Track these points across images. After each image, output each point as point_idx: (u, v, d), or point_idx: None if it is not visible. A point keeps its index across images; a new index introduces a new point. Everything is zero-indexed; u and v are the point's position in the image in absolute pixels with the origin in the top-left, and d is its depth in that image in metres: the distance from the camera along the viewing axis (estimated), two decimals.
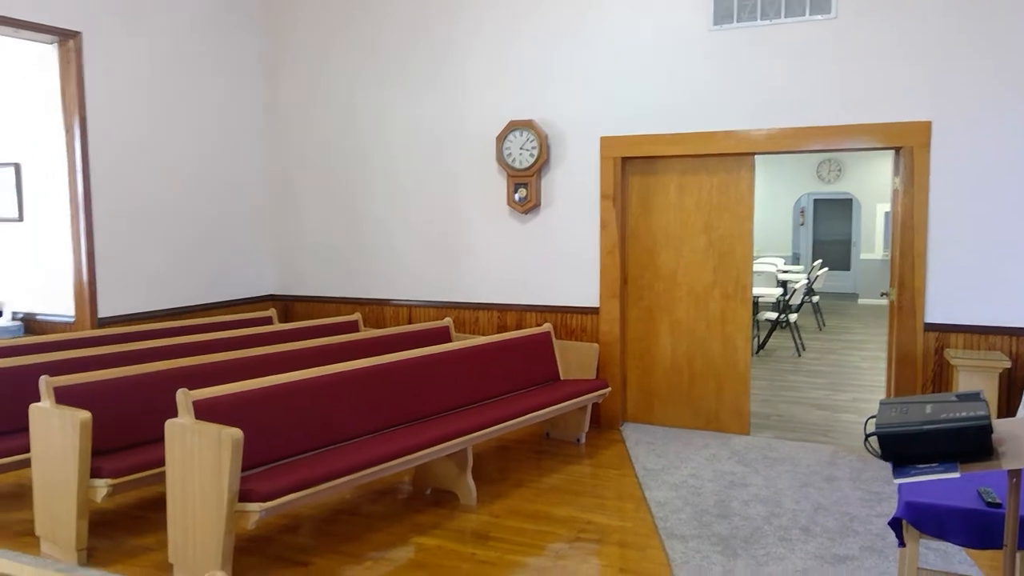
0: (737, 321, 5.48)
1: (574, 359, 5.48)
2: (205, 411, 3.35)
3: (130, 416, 3.82)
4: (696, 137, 5.30)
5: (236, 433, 3.13)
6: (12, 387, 4.05)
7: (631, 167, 5.66)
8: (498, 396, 4.87)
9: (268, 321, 6.07)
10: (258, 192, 6.61)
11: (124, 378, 3.90)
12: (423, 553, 3.64)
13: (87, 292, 5.33)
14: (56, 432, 3.51)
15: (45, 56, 5.28)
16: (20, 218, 5.50)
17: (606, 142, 5.53)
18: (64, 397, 3.62)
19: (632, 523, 3.97)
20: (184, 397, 3.33)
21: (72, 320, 5.38)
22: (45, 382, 3.61)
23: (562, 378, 5.45)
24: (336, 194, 6.44)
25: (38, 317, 5.50)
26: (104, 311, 5.42)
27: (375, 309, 6.34)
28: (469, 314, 6.03)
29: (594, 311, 5.65)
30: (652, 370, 5.71)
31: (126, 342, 4.87)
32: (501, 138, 5.76)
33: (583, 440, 5.33)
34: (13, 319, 5.46)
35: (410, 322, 6.21)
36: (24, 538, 3.74)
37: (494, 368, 4.91)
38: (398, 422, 4.20)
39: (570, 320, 5.72)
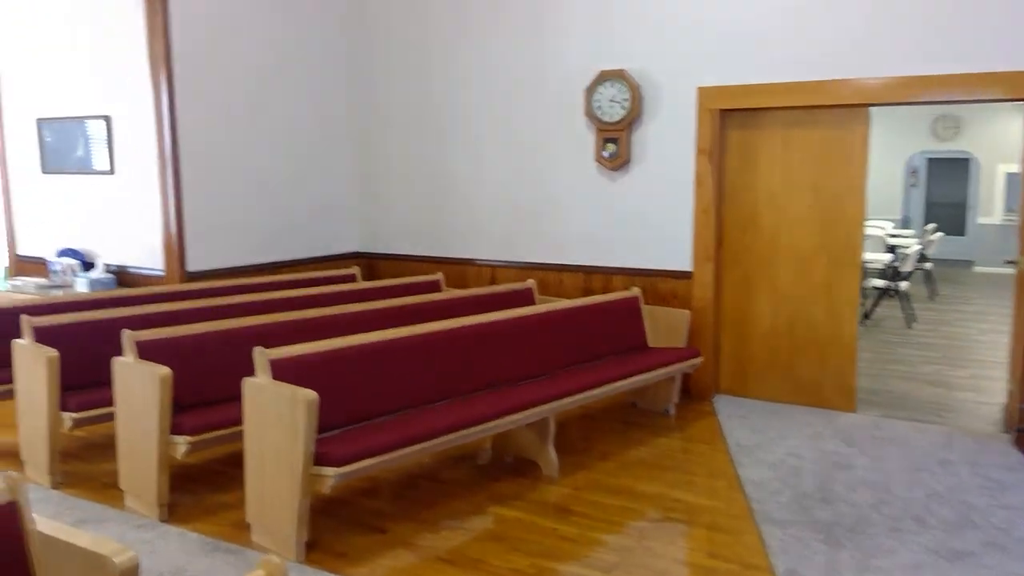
0: (844, 288, 5.06)
1: (664, 326, 5.19)
2: (282, 370, 3.27)
3: (212, 372, 3.79)
4: (805, 87, 4.85)
5: (311, 395, 3.02)
6: (100, 339, 4.08)
7: (731, 120, 5.25)
8: (583, 363, 4.65)
9: (351, 279, 6.01)
10: (344, 148, 6.53)
11: (206, 334, 3.86)
12: (502, 524, 3.49)
13: (176, 246, 5.36)
14: (137, 387, 3.50)
15: (132, 7, 5.26)
16: (111, 171, 5.57)
17: (704, 93, 5.15)
18: (147, 352, 3.61)
19: (724, 503, 3.71)
20: (261, 356, 3.25)
21: (162, 274, 5.44)
22: (128, 336, 3.60)
23: (651, 346, 5.18)
24: (420, 150, 6.28)
25: (130, 270, 5.58)
26: (193, 265, 5.45)
27: (458, 269, 6.20)
28: (553, 276, 5.81)
29: (686, 275, 5.33)
30: (748, 339, 5.37)
31: (211, 296, 4.87)
32: (590, 90, 5.45)
33: (672, 412, 5.07)
34: (107, 271, 5.56)
35: (493, 283, 6.04)
36: (110, 490, 3.79)
37: (579, 333, 4.69)
38: (478, 387, 4.04)
39: (660, 284, 5.43)
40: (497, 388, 4.09)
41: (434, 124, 6.19)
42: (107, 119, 5.52)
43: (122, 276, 5.60)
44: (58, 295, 5.18)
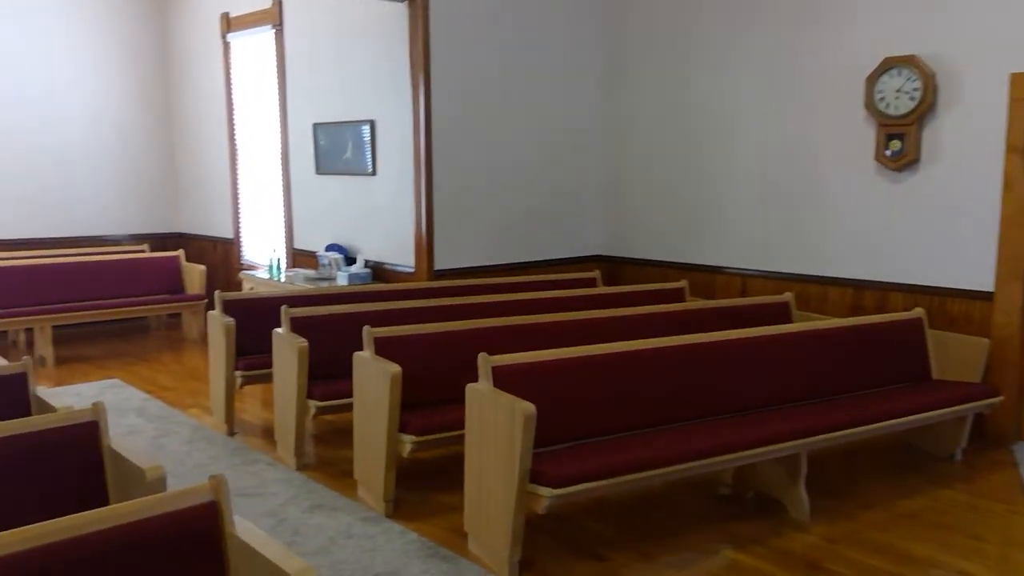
0: None
1: (954, 356, 4.36)
2: (505, 378, 3.12)
3: (444, 371, 3.76)
4: None
5: (528, 408, 2.83)
6: (347, 332, 4.22)
7: None
8: (847, 393, 4.02)
9: (592, 283, 5.81)
10: (592, 148, 6.35)
11: (440, 333, 3.86)
12: (736, 572, 3.06)
13: (425, 244, 5.52)
14: (372, 382, 3.56)
15: (393, 15, 5.48)
16: (374, 172, 5.87)
17: (1019, 80, 4.24)
18: (383, 348, 3.66)
19: None
20: (484, 361, 3.13)
21: (411, 270, 5.63)
22: (367, 332, 3.68)
23: (935, 378, 4.38)
24: (670, 149, 5.90)
25: (385, 266, 5.85)
26: (440, 263, 5.58)
27: (705, 277, 5.74)
28: (815, 289, 5.15)
29: (985, 296, 4.44)
30: None
31: (452, 296, 4.91)
32: (872, 79, 4.73)
33: (958, 457, 4.24)
34: (365, 266, 5.88)
35: (743, 294, 5.50)
36: (347, 478, 3.90)
37: (845, 358, 4.06)
38: (720, 412, 3.62)
39: (950, 306, 4.58)
40: (743, 414, 3.64)
41: (687, 121, 5.79)
42: (372, 123, 5.83)
43: (378, 271, 5.88)
44: (321, 287, 5.56)
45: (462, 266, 5.67)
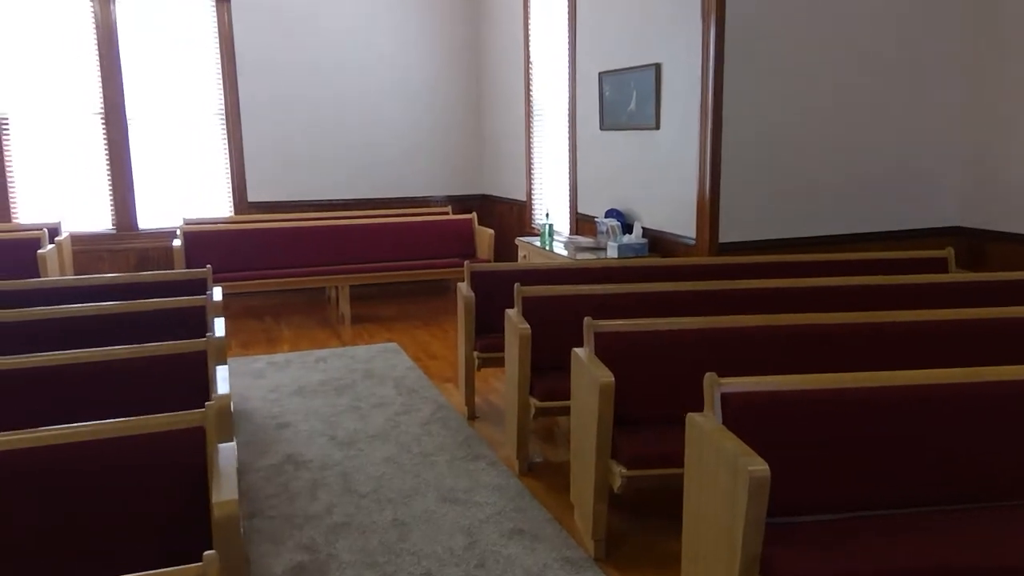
0: None
1: None
2: (738, 411, 2.19)
3: (686, 381, 2.89)
4: None
5: (760, 471, 1.89)
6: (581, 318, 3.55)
7: None
8: None
9: (940, 266, 4.36)
10: (946, 86, 4.78)
11: (686, 331, 2.97)
12: None
13: (708, 211, 4.57)
14: (584, 389, 2.84)
15: None
16: (656, 126, 5.02)
17: None
18: (607, 345, 2.90)
19: None
20: (711, 385, 2.23)
21: (692, 242, 4.72)
22: (588, 325, 2.95)
23: None
24: None
25: (665, 235, 5.01)
26: (727, 235, 4.60)
27: None
28: None
29: None
30: None
31: (730, 277, 3.93)
32: None
33: None
34: (643, 236, 5.09)
35: None
36: (567, 495, 3.24)
37: None
38: None
39: None
40: None
41: None
42: (657, 67, 4.96)
43: (657, 241, 5.07)
44: (585, 259, 4.92)
45: (752, 239, 4.62)
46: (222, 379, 2.66)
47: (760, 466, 1.91)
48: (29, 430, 1.91)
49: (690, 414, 2.27)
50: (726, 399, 2.19)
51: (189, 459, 1.92)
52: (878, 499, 2.22)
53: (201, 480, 1.91)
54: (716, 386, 2.21)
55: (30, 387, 2.51)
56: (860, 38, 4.63)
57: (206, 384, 2.58)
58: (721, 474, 2.05)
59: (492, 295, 4.10)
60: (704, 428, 2.17)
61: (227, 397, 2.47)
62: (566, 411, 3.24)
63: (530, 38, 6.83)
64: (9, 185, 6.59)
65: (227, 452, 1.98)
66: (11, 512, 1.81)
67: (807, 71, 4.59)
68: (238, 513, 1.74)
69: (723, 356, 2.85)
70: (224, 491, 1.78)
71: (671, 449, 2.60)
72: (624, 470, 2.62)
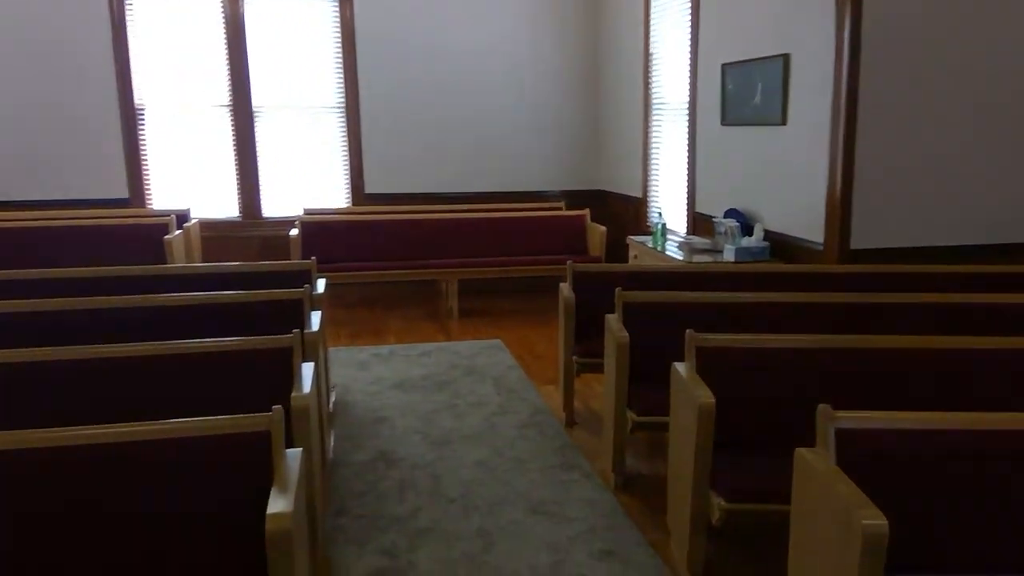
0: None
1: None
2: (853, 451, 1.92)
3: (800, 404, 2.60)
4: None
5: (877, 525, 1.63)
6: (696, 328, 3.29)
7: None
8: None
9: None
10: None
11: (799, 350, 2.69)
12: None
13: (838, 214, 4.18)
14: (683, 408, 2.61)
15: None
16: (783, 121, 4.65)
17: None
18: (710, 361, 2.66)
19: None
20: (826, 417, 1.96)
21: (820, 248, 4.34)
22: (690, 338, 2.71)
23: None
24: None
25: (789, 239, 4.64)
26: (860, 240, 4.20)
27: None
28: None
29: None
30: None
31: (858, 289, 3.56)
32: None
33: None
34: (764, 239, 4.73)
35: None
36: (660, 515, 3.02)
37: None
38: None
39: None
40: None
41: None
42: (785, 58, 4.59)
43: (779, 245, 4.70)
44: (700, 263, 4.63)
45: (890, 246, 4.19)
46: (307, 377, 2.60)
47: (877, 520, 1.64)
48: (98, 426, 1.89)
49: (799, 450, 2.02)
50: (842, 436, 1.92)
51: (253, 464, 1.86)
52: (1016, 563, 1.89)
53: (264, 487, 1.84)
54: (831, 421, 1.94)
55: (108, 378, 2.48)
56: (1005, 51, 4.10)
57: (290, 382, 2.54)
58: (832, 522, 1.79)
59: (595, 297, 3.89)
60: (815, 468, 1.91)
61: (305, 398, 2.40)
62: (666, 427, 3.01)
63: (651, 28, 6.54)
64: (144, 172, 6.95)
65: (292, 460, 1.90)
66: (62, 510, 1.79)
67: (949, 76, 4.11)
68: (291, 527, 1.65)
69: (845, 383, 2.55)
70: (279, 502, 1.70)
71: (778, 482, 2.33)
72: (723, 502, 2.37)
